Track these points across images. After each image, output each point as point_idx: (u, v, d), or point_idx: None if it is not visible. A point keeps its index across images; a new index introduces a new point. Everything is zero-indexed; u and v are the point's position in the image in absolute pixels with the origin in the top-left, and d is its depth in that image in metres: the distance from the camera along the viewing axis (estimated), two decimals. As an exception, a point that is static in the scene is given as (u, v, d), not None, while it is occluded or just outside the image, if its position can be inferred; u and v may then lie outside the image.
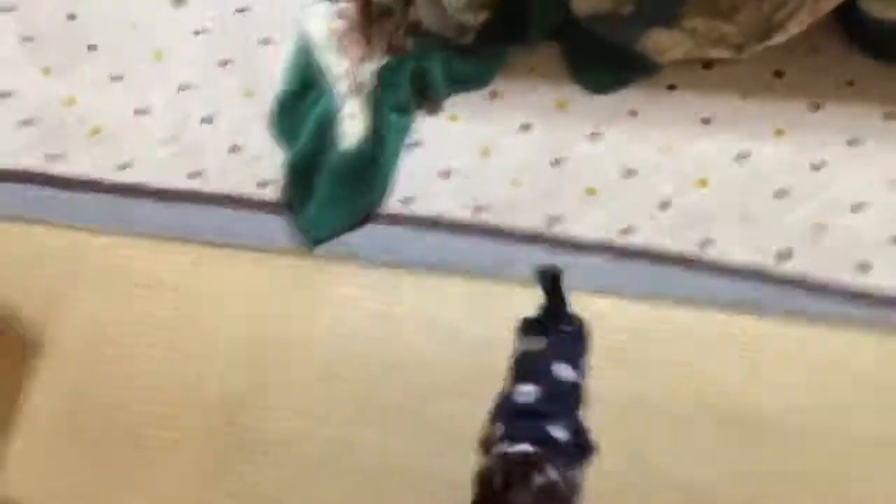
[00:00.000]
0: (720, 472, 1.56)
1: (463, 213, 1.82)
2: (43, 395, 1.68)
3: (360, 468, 1.59)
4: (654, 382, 1.63)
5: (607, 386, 1.44)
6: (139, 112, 1.94)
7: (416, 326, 1.72)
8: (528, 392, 1.28)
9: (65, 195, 1.89)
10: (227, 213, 1.85)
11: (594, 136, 1.85)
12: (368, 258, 1.78)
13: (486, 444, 1.26)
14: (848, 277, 1.69)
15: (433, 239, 1.80)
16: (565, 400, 1.28)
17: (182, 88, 1.96)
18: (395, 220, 1.83)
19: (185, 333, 1.74)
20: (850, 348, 1.64)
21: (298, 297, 1.77)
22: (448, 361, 1.66)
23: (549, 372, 1.29)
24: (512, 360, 1.35)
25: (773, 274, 1.70)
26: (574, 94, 1.88)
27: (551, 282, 1.37)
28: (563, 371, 1.29)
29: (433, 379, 1.65)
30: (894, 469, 1.55)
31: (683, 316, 1.68)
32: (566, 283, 1.38)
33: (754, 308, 1.68)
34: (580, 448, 1.26)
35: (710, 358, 1.65)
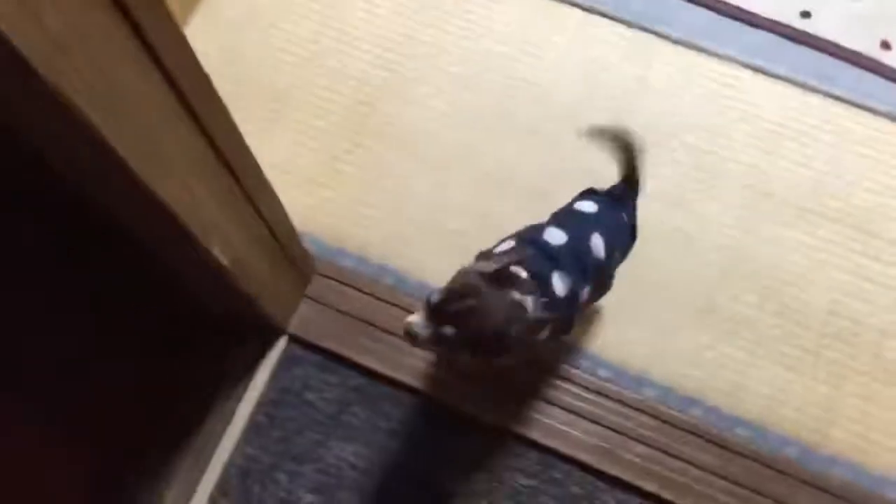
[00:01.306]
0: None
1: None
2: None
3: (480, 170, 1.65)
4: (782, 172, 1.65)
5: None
6: None
7: (574, 66, 1.74)
8: (556, 236, 1.22)
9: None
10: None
11: None
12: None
13: (487, 253, 1.20)
14: None
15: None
16: (585, 267, 1.21)
17: None
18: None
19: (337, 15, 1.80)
20: None
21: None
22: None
23: (586, 237, 1.23)
24: (560, 209, 1.31)
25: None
26: None
27: (625, 152, 1.29)
28: (598, 244, 1.23)
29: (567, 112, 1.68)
30: None
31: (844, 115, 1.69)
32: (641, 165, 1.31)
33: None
34: (564, 314, 1.20)
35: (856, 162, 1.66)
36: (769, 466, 1.41)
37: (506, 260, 1.13)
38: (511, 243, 1.22)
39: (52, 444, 1.14)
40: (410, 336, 1.07)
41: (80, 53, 0.65)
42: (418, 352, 1.43)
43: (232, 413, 1.46)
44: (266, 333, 1.49)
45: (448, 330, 1.06)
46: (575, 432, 1.44)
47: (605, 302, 1.43)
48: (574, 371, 1.48)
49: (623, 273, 1.37)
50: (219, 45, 1.78)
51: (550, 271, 1.16)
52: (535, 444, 1.44)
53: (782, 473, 1.41)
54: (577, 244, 1.22)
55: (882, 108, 1.68)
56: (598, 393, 1.46)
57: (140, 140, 0.77)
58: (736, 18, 1.78)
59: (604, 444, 1.43)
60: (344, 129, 1.69)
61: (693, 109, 1.70)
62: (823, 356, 1.50)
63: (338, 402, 1.48)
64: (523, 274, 1.14)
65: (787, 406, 1.47)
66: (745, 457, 1.42)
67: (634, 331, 1.52)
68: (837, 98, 1.70)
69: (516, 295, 1.10)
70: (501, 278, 1.10)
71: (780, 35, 1.76)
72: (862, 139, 1.66)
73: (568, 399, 1.46)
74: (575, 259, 1.20)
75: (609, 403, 1.46)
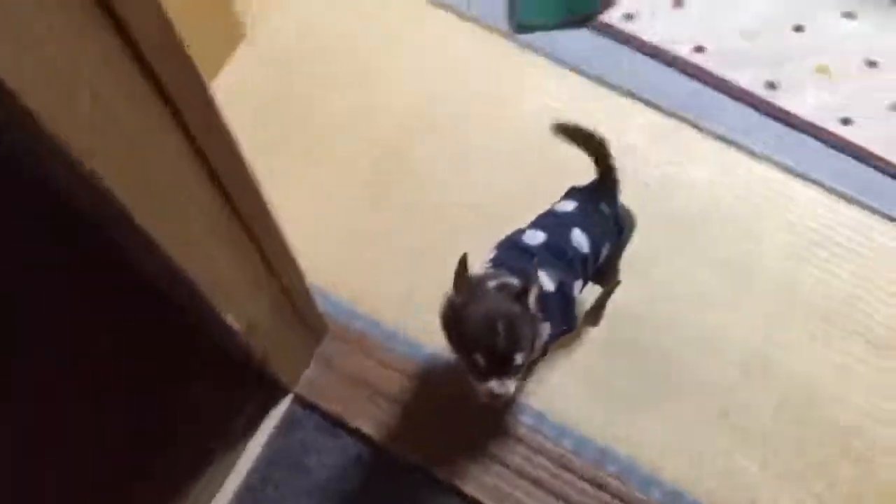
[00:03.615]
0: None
1: (680, 49, 1.83)
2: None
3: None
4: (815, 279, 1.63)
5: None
6: None
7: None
8: (535, 236, 1.23)
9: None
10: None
11: (847, 14, 1.85)
12: (562, 60, 1.82)
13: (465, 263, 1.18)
14: None
15: (636, 61, 1.83)
16: (568, 261, 1.22)
17: None
18: (609, 32, 1.86)
19: (379, 64, 1.84)
20: None
21: (484, 67, 1.84)
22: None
23: (566, 232, 1.24)
24: (541, 213, 1.32)
25: None
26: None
27: (595, 149, 1.30)
28: (580, 239, 1.24)
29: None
30: None
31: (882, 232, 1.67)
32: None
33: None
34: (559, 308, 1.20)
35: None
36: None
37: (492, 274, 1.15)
38: (494, 250, 1.24)
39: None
40: (498, 398, 1.08)
41: (113, 133, 0.64)
42: (420, 424, 1.44)
43: (230, 467, 1.42)
44: (273, 389, 1.47)
45: (518, 358, 1.08)
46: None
47: (621, 392, 1.45)
48: (583, 463, 1.43)
49: (644, 361, 1.42)
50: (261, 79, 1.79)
51: (535, 269, 1.16)
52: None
53: None
54: (558, 241, 1.23)
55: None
56: (602, 488, 1.41)
57: (166, 213, 0.76)
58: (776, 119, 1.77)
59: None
60: (373, 184, 1.68)
61: (730, 207, 1.68)
62: (840, 475, 1.45)
63: (335, 469, 1.44)
64: (513, 280, 1.14)
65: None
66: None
67: (645, 423, 1.48)
68: (874, 210, 1.68)
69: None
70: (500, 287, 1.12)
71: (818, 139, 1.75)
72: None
73: (567, 490, 1.41)
74: (556, 255, 1.21)
75: (613, 501, 1.41)
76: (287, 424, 1.47)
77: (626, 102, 1.79)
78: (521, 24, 1.87)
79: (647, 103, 1.78)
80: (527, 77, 1.83)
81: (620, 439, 1.46)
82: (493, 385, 1.07)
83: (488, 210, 1.65)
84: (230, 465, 1.42)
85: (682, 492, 1.42)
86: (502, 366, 1.07)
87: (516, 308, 1.08)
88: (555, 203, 1.34)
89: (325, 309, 1.49)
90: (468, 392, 1.19)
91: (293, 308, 1.25)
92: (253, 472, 1.43)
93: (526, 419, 1.46)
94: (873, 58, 1.84)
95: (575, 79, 1.81)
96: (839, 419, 1.49)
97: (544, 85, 1.81)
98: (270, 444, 1.45)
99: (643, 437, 1.47)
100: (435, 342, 1.51)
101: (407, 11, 1.90)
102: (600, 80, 1.80)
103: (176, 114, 0.71)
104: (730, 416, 1.49)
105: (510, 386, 1.08)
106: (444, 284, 1.10)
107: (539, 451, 1.44)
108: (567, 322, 1.25)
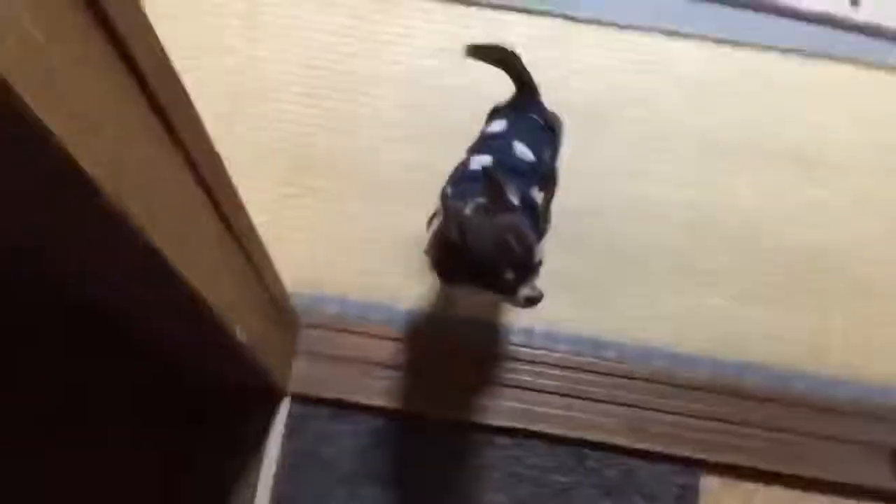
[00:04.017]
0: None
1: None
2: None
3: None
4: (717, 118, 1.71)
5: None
6: None
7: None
8: (481, 160, 1.27)
9: None
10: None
11: None
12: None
13: (434, 212, 1.23)
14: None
15: None
16: (521, 173, 1.26)
17: None
18: None
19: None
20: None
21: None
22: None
23: (508, 147, 1.28)
24: (474, 141, 1.34)
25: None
26: None
27: (510, 65, 1.34)
28: (521, 149, 1.28)
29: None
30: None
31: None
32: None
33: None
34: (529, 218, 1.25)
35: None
36: (785, 404, 1.47)
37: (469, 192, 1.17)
38: (449, 188, 1.24)
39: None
40: (536, 300, 1.11)
41: (131, 164, 0.60)
42: (421, 379, 1.45)
43: (254, 486, 1.38)
44: (269, 396, 1.43)
45: (538, 254, 1.12)
46: (600, 418, 1.45)
47: (588, 283, 1.50)
48: (583, 359, 1.49)
49: (597, 250, 1.49)
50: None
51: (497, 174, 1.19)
52: (563, 440, 1.44)
53: (796, 406, 1.47)
54: (504, 157, 1.26)
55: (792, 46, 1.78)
56: (609, 374, 1.48)
57: (181, 240, 0.72)
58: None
59: (629, 423, 1.45)
60: (289, 172, 1.63)
61: (623, 84, 1.74)
62: (802, 287, 1.57)
63: (356, 451, 1.43)
64: (481, 199, 1.16)
65: (783, 342, 1.53)
66: (763, 400, 1.47)
67: (622, 305, 1.55)
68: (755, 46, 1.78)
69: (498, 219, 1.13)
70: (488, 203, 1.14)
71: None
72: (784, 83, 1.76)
73: (582, 387, 1.47)
74: (509, 170, 1.24)
75: (622, 381, 1.47)
76: (294, 426, 1.43)
77: (500, 15, 1.80)
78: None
79: (521, 10, 1.80)
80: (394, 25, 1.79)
81: (607, 328, 1.52)
82: (527, 291, 1.10)
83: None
84: (253, 483, 1.38)
85: (678, 353, 1.51)
86: (527, 269, 1.10)
87: (509, 215, 1.11)
88: (484, 127, 1.35)
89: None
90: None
91: (277, 309, 1.22)
92: (279, 483, 1.40)
93: (517, 338, 1.50)
94: None
95: (440, 10, 1.79)
96: (788, 239, 1.61)
97: (414, 28, 1.78)
98: (285, 451, 1.42)
99: (625, 318, 1.53)
100: (407, 298, 1.53)
101: None
102: (467, 2, 1.80)
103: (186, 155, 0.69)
104: (695, 270, 1.58)
105: (539, 287, 1.11)
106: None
107: (542, 362, 1.48)
108: (538, 230, 1.28)
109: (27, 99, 0.45)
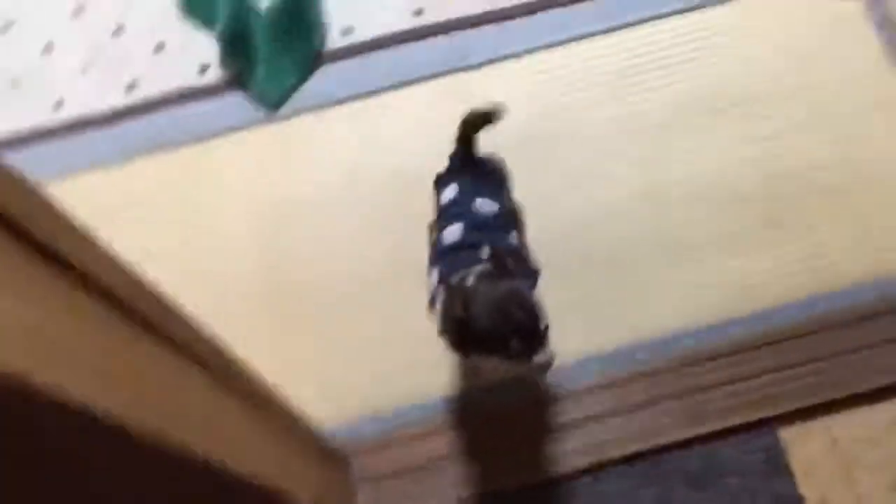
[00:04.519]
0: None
1: (402, 23, 1.88)
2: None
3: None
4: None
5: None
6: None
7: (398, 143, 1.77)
8: (453, 231, 1.28)
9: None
10: (178, 110, 1.88)
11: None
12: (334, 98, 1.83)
13: (432, 294, 1.25)
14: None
15: (378, 60, 1.87)
16: (493, 229, 1.28)
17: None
18: (344, 53, 1.88)
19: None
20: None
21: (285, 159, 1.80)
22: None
23: (469, 209, 1.30)
24: (434, 216, 1.36)
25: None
26: None
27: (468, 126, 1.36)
28: (484, 206, 1.30)
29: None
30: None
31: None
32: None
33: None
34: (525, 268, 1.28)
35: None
36: (813, 332, 1.49)
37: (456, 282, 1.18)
38: (436, 269, 1.26)
39: None
40: (548, 366, 1.12)
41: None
42: (487, 453, 1.45)
43: None
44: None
45: (544, 321, 1.11)
46: (659, 420, 1.45)
47: (591, 300, 1.55)
48: (618, 372, 1.50)
49: (584, 266, 1.56)
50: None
51: (479, 253, 1.22)
52: (635, 455, 1.43)
53: (825, 330, 1.49)
54: (472, 218, 1.28)
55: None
56: (647, 375, 1.49)
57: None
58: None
59: (685, 412, 1.45)
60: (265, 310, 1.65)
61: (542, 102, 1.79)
62: (778, 219, 1.61)
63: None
64: (477, 267, 1.18)
65: (784, 276, 1.55)
66: (791, 337, 1.49)
67: (629, 306, 1.57)
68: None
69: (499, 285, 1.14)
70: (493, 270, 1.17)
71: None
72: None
73: (629, 398, 1.48)
74: (482, 230, 1.26)
75: (661, 377, 1.49)
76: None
77: (409, 92, 1.84)
78: (273, 101, 1.85)
79: (418, 80, 1.84)
80: (320, 138, 1.83)
81: (625, 334, 1.54)
82: (539, 358, 1.11)
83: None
84: None
85: (699, 327, 1.52)
86: (536, 337, 1.11)
87: (509, 283, 1.13)
88: (437, 199, 1.38)
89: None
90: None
91: (328, 458, 1.21)
92: None
93: (553, 379, 1.50)
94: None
95: (345, 110, 1.84)
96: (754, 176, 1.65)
97: (334, 133, 1.83)
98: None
99: (637, 316, 1.56)
100: (434, 386, 1.53)
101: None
102: (372, 94, 1.84)
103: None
104: (680, 244, 1.61)
105: (550, 350, 1.12)
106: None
107: (583, 391, 1.49)
108: (530, 272, 1.30)
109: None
